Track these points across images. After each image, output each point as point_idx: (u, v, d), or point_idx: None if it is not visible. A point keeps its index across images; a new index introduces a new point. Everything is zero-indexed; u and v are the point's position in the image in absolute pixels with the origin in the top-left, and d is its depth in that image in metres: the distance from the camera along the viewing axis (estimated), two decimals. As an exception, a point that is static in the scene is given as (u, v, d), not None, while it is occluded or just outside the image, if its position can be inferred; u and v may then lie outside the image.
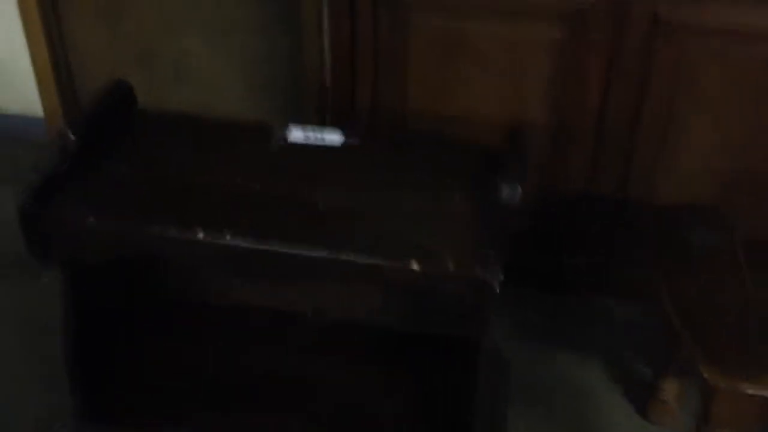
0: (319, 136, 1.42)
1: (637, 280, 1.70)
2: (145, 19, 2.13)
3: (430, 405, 1.40)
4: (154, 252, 1.21)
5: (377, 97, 1.71)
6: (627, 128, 1.60)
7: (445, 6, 1.60)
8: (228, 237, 1.16)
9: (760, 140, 1.54)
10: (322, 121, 2.19)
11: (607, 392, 1.59)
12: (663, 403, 1.50)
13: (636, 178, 1.65)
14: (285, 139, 1.41)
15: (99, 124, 1.35)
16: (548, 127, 1.64)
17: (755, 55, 1.46)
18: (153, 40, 2.16)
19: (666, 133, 1.59)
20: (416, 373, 1.45)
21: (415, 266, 1.11)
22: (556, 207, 1.70)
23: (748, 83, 1.49)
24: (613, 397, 1.58)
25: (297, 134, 1.42)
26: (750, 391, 1.02)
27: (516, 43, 1.58)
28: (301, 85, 2.12)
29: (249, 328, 1.53)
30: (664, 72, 1.51)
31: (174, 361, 1.49)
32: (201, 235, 1.16)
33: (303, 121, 2.15)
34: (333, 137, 1.41)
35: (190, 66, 2.19)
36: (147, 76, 2.23)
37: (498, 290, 1.09)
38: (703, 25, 1.45)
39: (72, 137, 1.28)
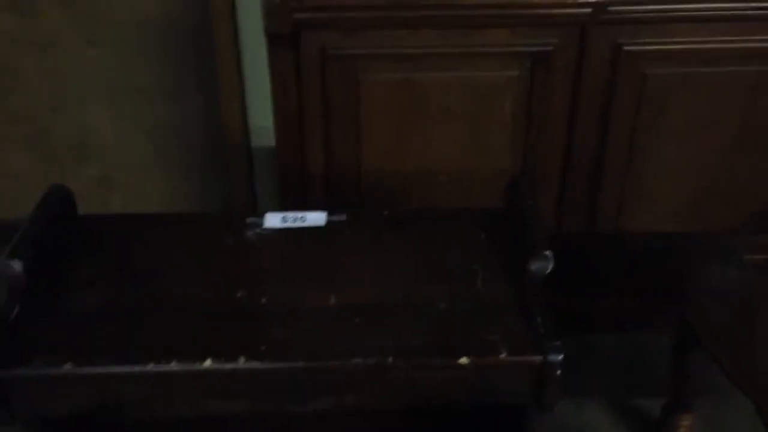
0: (298, 216, 1.28)
1: (634, 313, 1.70)
2: (37, 94, 1.88)
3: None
4: (152, 390, 1.02)
5: (329, 159, 1.59)
6: (593, 162, 1.58)
7: (394, 56, 1.50)
8: (242, 361, 1.00)
9: (724, 160, 1.56)
10: (250, 190, 2.06)
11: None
12: (677, 437, 1.48)
13: (604, 209, 1.63)
14: (259, 225, 1.27)
15: (44, 247, 1.14)
16: (512, 172, 1.59)
17: (717, 76, 1.47)
18: (47, 117, 1.91)
19: (631, 163, 1.58)
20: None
21: (464, 361, 1.00)
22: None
23: (712, 104, 1.50)
24: (620, 435, 1.55)
25: (273, 220, 1.28)
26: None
27: (473, 88, 1.51)
28: (222, 150, 1.96)
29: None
30: (627, 102, 1.50)
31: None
32: (209, 364, 1.00)
33: (228, 190, 2.03)
34: (315, 217, 1.28)
35: (93, 142, 1.96)
36: (40, 157, 1.98)
37: (560, 371, 1.00)
38: (665, 51, 1.45)
39: (17, 269, 1.07)
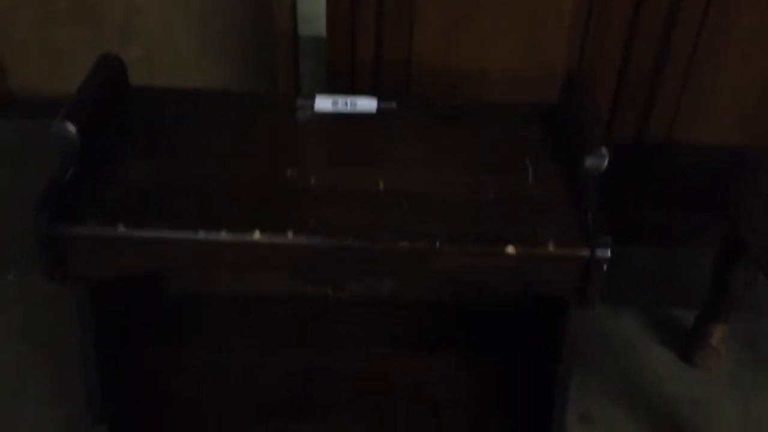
0: (349, 101, 1.26)
1: (671, 226, 1.68)
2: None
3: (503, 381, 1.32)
4: (200, 258, 1.04)
5: (379, 48, 1.55)
6: (652, 66, 1.52)
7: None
8: (290, 235, 1.01)
9: None
10: (296, 77, 2.03)
11: (648, 341, 1.56)
12: (708, 348, 1.48)
13: (659, 118, 1.59)
14: (310, 108, 1.25)
15: (97, 114, 1.13)
16: (567, 73, 1.54)
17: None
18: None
19: (692, 71, 1.52)
20: (475, 352, 1.37)
21: (511, 250, 1.00)
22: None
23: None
24: (655, 345, 1.55)
25: (323, 103, 1.26)
26: None
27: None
28: (270, 38, 1.93)
29: (277, 320, 1.39)
30: (695, 1, 1.44)
31: (201, 367, 1.33)
32: (258, 236, 1.00)
33: (275, 76, 2.01)
34: (366, 103, 1.26)
35: (140, 22, 1.94)
36: (85, 36, 1.97)
37: (606, 268, 1.00)
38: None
39: (72, 132, 1.07)
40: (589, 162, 1.07)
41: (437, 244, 1.00)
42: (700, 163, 1.65)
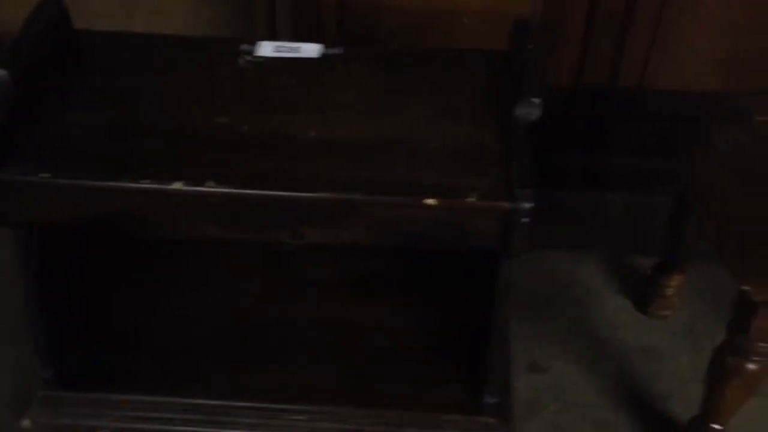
0: (292, 47, 1.24)
1: (641, 172, 1.66)
2: None
3: (444, 325, 1.34)
4: (125, 207, 1.05)
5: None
6: (622, 9, 1.48)
7: None
8: (210, 185, 1.01)
9: (764, 16, 1.45)
10: (272, 20, 2.00)
11: (606, 289, 1.56)
12: (664, 297, 1.47)
13: (629, 63, 1.55)
14: (251, 52, 1.24)
15: (35, 59, 1.13)
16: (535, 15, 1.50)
17: None
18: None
19: (664, 13, 1.48)
20: (420, 297, 1.38)
21: (431, 202, 1.00)
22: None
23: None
24: (613, 294, 1.55)
25: (266, 48, 1.24)
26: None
27: None
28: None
29: (232, 266, 1.41)
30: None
31: (157, 312, 1.36)
32: (180, 185, 1.01)
33: (251, 18, 1.97)
34: (310, 48, 1.24)
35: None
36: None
37: (529, 219, 0.99)
38: None
39: (6, 77, 1.07)
40: (519, 111, 1.05)
41: (357, 195, 0.99)
42: (674, 108, 1.61)
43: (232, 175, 1.02)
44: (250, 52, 1.23)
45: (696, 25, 1.51)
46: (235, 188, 1.00)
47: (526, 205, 0.98)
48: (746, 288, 0.98)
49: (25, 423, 1.26)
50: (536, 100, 1.05)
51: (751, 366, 1.06)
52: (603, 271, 1.59)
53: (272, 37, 1.95)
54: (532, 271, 1.57)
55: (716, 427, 1.16)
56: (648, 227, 1.64)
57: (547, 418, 1.35)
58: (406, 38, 1.56)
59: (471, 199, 0.99)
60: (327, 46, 1.24)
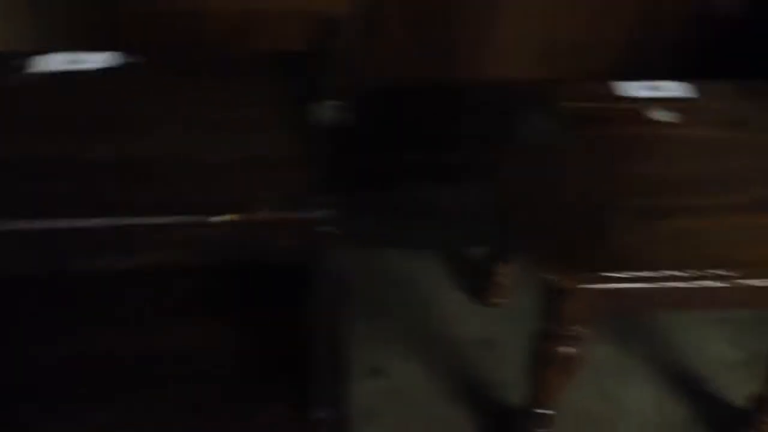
0: (75, 59, 1.15)
1: (472, 165, 1.65)
2: None
3: (267, 346, 1.28)
4: None
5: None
6: (446, 2, 1.47)
7: None
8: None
9: (587, 4, 1.48)
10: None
11: (444, 284, 1.55)
12: (497, 286, 1.48)
13: (455, 57, 1.54)
14: (24, 67, 1.13)
15: None
16: (354, 15, 1.47)
17: None
18: None
19: (487, 2, 1.48)
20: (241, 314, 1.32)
21: (220, 219, 0.93)
22: (372, 99, 1.57)
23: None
24: (450, 288, 1.54)
25: (49, 61, 1.14)
26: (600, 287, 0.99)
27: None
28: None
29: (56, 299, 1.30)
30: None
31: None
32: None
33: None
34: (96, 59, 1.15)
35: None
36: None
37: (331, 228, 0.95)
38: None
39: None
40: (315, 115, 1.01)
41: (142, 218, 0.92)
42: (501, 99, 1.62)
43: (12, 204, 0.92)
44: (23, 66, 1.13)
45: (519, 12, 1.51)
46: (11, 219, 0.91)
47: (325, 214, 0.94)
48: (551, 276, 0.99)
49: None
50: (333, 103, 1.02)
51: (565, 350, 1.07)
52: (440, 265, 1.59)
53: (61, 48, 1.83)
54: (368, 271, 1.55)
55: (544, 411, 1.17)
56: (482, 219, 1.65)
57: (386, 422, 1.33)
58: (229, 44, 1.49)
59: (264, 213, 0.94)
60: (123, 55, 1.16)
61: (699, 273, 0.98)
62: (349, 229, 1.63)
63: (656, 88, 1.22)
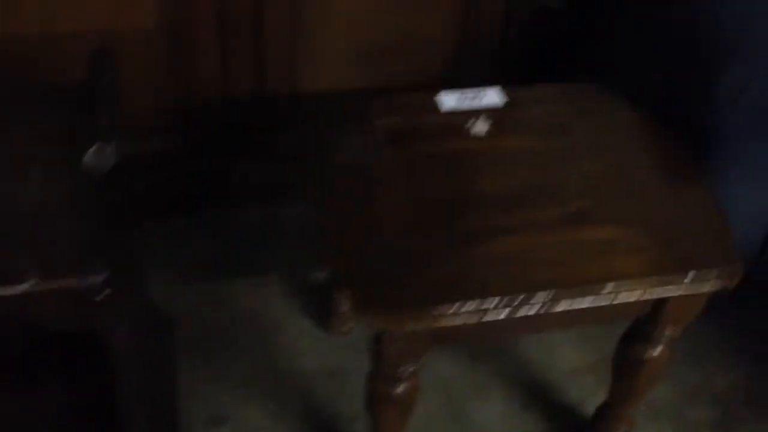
0: None
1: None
2: None
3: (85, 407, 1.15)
4: None
5: None
6: (253, 11, 1.37)
7: None
8: None
9: (401, 8, 1.41)
10: None
11: (288, 313, 1.45)
12: (340, 315, 1.40)
13: (274, 70, 1.45)
14: None
15: None
16: (161, 31, 1.35)
17: None
18: None
19: (297, 12, 1.39)
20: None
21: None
22: (193, 117, 1.46)
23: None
24: (295, 317, 1.45)
25: None
26: (422, 325, 0.92)
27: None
28: None
29: None
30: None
31: None
32: None
33: None
34: None
35: None
36: None
37: (109, 292, 0.84)
38: None
39: None
40: (89, 161, 0.89)
41: None
42: (322, 111, 1.54)
43: None
44: None
45: (333, 21, 1.44)
46: None
47: (98, 279, 0.82)
48: (367, 318, 0.91)
49: None
50: (108, 146, 0.90)
51: (395, 390, 1.00)
52: (283, 293, 1.49)
53: None
54: (206, 305, 1.43)
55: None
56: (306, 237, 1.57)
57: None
58: (16, 71, 1.34)
59: (28, 285, 0.81)
60: None
61: (528, 298, 0.92)
62: (183, 261, 1.52)
63: (475, 97, 1.16)
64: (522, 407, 1.34)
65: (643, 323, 1.08)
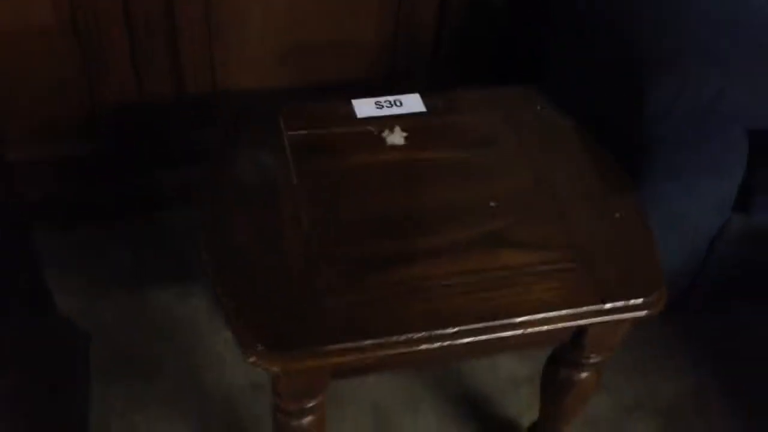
0: None
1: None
2: None
3: None
4: None
5: None
6: (161, 14, 1.27)
7: None
8: None
9: (327, 6, 1.32)
10: None
11: (212, 324, 1.38)
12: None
13: (192, 70, 1.36)
14: None
15: None
16: (66, 31, 1.26)
17: None
18: None
19: (210, 11, 1.30)
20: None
21: None
22: (108, 120, 1.37)
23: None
24: (220, 328, 1.38)
25: None
26: (315, 363, 0.84)
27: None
28: None
29: None
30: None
31: None
32: None
33: None
34: None
35: None
36: None
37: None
38: None
39: None
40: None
41: None
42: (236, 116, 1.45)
43: None
44: None
45: (248, 20, 1.34)
46: None
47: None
48: (253, 358, 0.83)
49: None
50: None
51: (300, 422, 0.94)
52: (207, 304, 1.42)
53: None
54: (125, 316, 1.37)
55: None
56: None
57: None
58: None
59: None
60: None
61: (427, 337, 0.85)
62: (100, 271, 1.44)
63: (393, 104, 1.08)
64: (458, 419, 1.29)
65: (567, 348, 1.01)
